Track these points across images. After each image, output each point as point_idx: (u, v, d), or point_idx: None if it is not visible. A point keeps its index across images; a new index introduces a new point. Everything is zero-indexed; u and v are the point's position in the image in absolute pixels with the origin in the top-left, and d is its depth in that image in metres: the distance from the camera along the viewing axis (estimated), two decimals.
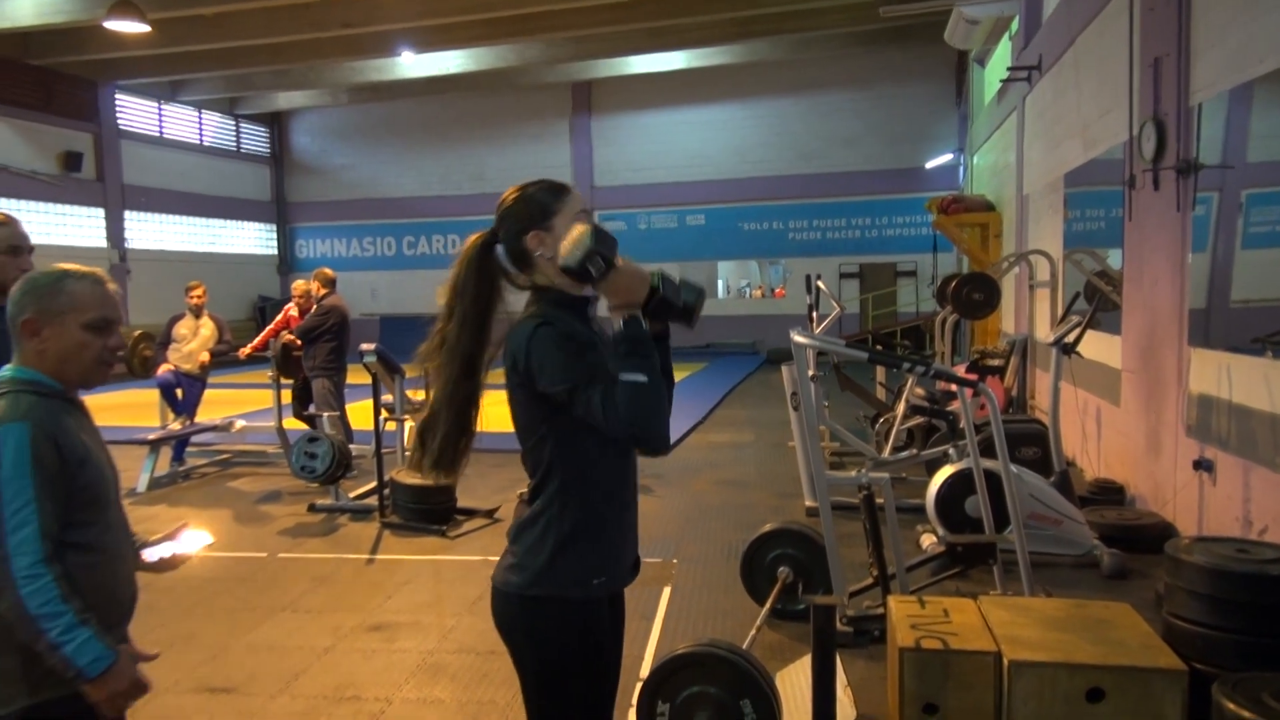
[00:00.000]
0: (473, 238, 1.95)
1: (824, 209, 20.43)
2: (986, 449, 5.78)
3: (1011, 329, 10.85)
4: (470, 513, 6.27)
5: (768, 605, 3.93)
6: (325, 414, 7.32)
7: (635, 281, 1.77)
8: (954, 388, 5.39)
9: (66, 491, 1.72)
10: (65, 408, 1.81)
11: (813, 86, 20.14)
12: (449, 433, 1.90)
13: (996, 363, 7.89)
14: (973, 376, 7.01)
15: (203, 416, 8.49)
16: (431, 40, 16.00)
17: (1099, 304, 5.77)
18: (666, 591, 4.76)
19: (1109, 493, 6.13)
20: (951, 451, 5.21)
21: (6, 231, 2.72)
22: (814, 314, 6.80)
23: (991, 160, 13.59)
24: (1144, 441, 5.71)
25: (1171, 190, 5.23)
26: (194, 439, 8.29)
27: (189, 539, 2.04)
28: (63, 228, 17.40)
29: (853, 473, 4.23)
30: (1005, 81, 10.75)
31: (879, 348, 3.65)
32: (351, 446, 6.93)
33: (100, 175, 18.36)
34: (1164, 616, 3.34)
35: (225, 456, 8.61)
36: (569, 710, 1.88)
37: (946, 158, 17.82)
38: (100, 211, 18.31)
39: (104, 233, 18.34)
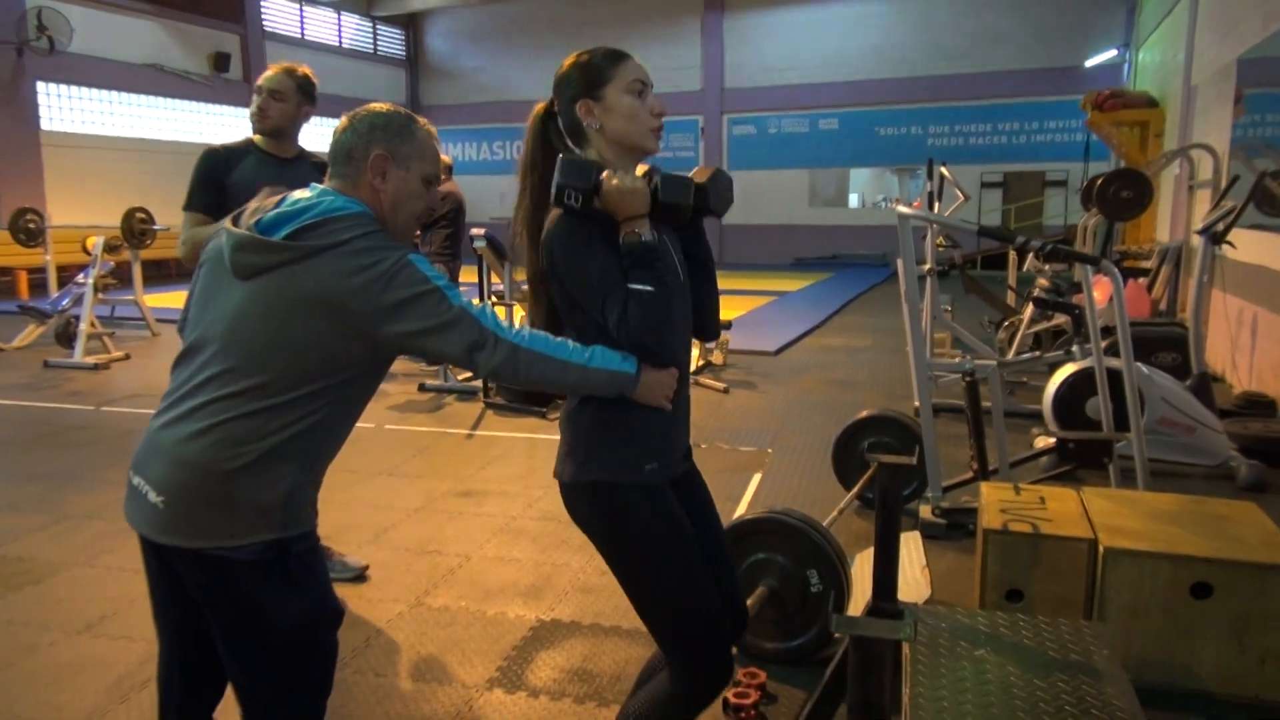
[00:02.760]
0: (537, 107, 1.83)
1: (967, 112, 19.17)
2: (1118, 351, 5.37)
3: (1166, 237, 9.96)
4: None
5: (856, 489, 3.75)
6: None
7: (628, 199, 1.64)
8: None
9: None
10: None
11: None
12: (541, 312, 1.83)
13: (1144, 264, 7.25)
14: (1107, 280, 6.49)
15: None
16: None
17: (1256, 193, 5.14)
18: (757, 478, 4.67)
19: (1258, 406, 5.60)
20: (1075, 349, 4.82)
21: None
22: (935, 204, 6.39)
23: (1158, 55, 12.34)
24: None
25: None
26: None
27: None
28: (213, 126, 18.24)
29: (957, 358, 3.96)
30: None
31: (1025, 244, 3.31)
32: None
33: (247, 76, 19.06)
34: None
35: None
36: (679, 591, 1.76)
37: (1110, 54, 16.31)
38: (246, 112, 19.04)
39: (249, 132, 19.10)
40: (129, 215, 8.96)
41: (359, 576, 3.40)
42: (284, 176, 2.99)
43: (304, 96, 3.04)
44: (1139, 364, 4.69)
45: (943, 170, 6.28)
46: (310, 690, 1.67)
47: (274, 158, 3.06)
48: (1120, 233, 11.58)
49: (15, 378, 7.33)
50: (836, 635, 2.21)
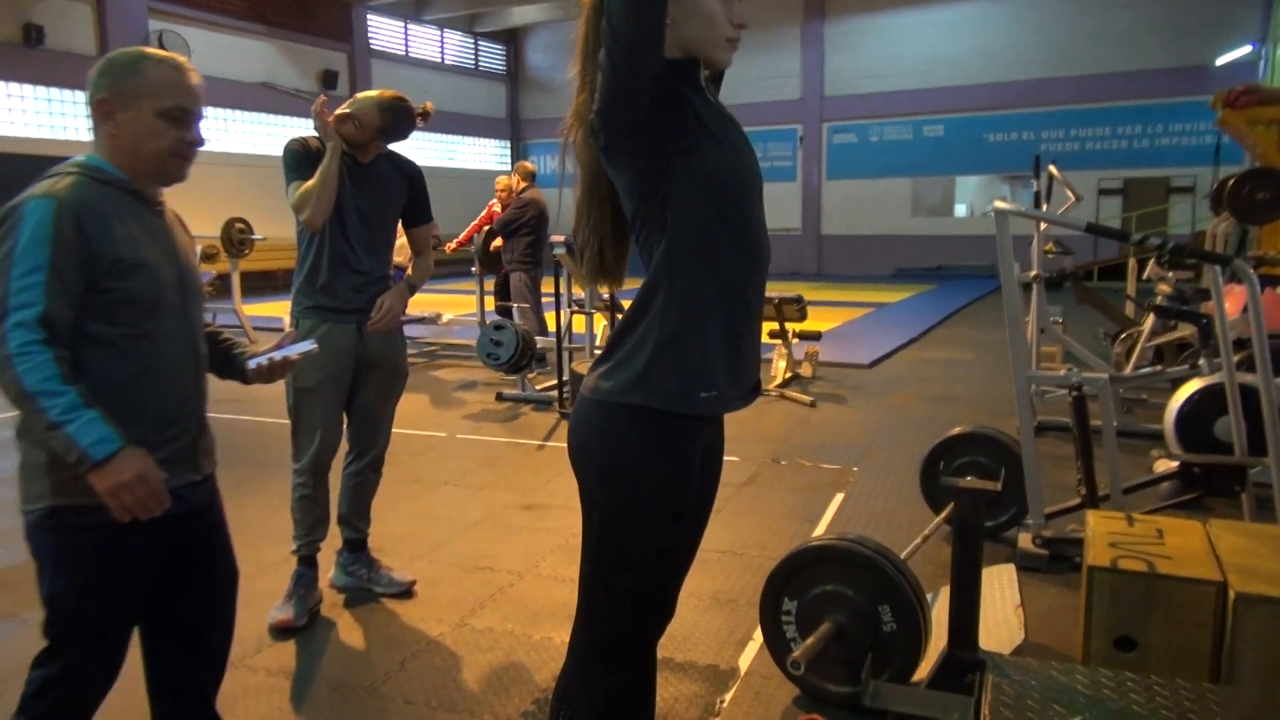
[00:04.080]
0: None
1: (1084, 116, 18.15)
2: (1253, 367, 4.82)
3: None
4: None
5: (942, 516, 3.41)
6: (516, 305, 7.36)
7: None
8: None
9: (93, 280, 1.58)
10: (126, 200, 1.67)
11: None
12: (599, 231, 1.61)
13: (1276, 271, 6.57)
14: (1239, 289, 5.88)
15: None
16: None
17: None
18: (838, 498, 4.33)
19: None
20: (1202, 363, 4.32)
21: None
22: (1045, 205, 5.90)
23: None
24: None
25: None
26: (406, 331, 8.67)
27: (293, 346, 1.88)
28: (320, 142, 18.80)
29: (1062, 370, 3.56)
30: None
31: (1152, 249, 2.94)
32: (540, 340, 6.92)
33: (353, 93, 19.63)
34: None
35: (433, 348, 8.96)
36: (639, 554, 1.56)
37: (1243, 51, 15.19)
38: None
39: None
40: (228, 225, 9.21)
41: (405, 592, 3.24)
42: (361, 177, 2.99)
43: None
44: (1278, 379, 4.17)
45: (1051, 169, 5.80)
46: (64, 668, 1.64)
47: (355, 161, 2.99)
48: (1255, 238, 10.67)
49: None
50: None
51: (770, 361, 7.28)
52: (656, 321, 1.50)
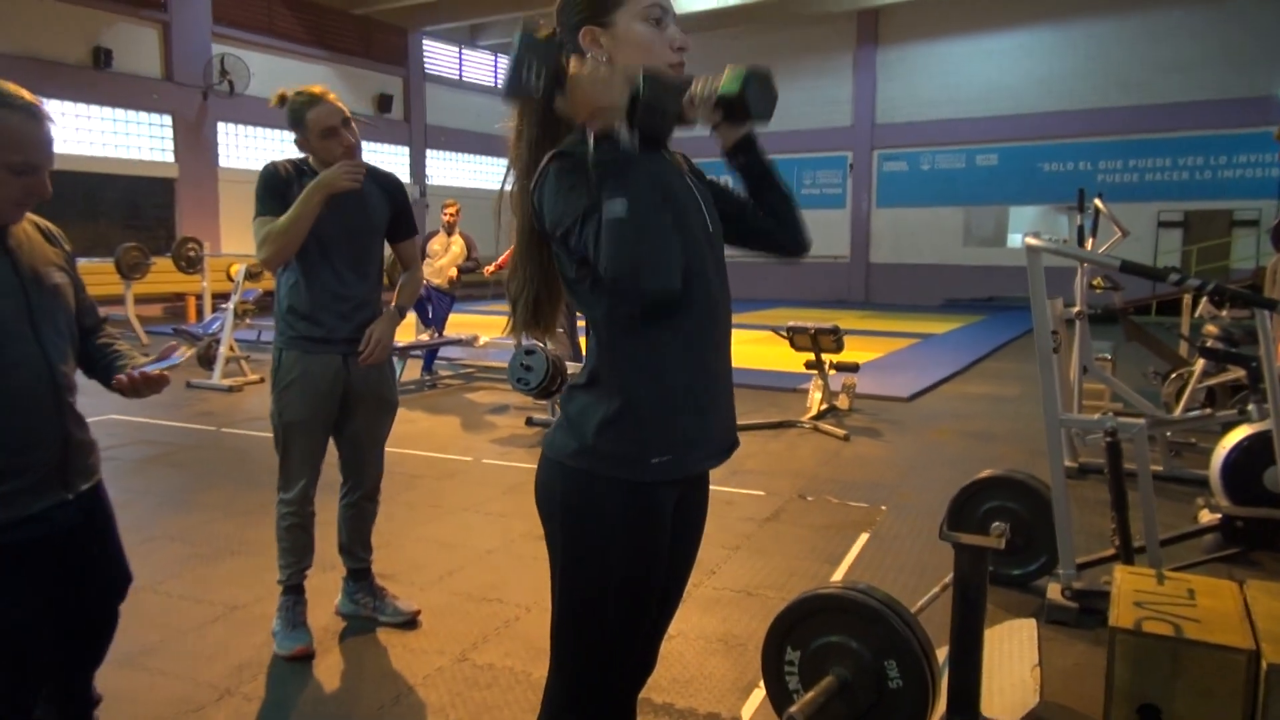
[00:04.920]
0: (540, 34, 1.57)
1: (1143, 146, 17.74)
2: None
3: None
4: None
5: None
6: None
7: (594, 87, 1.36)
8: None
9: None
10: None
11: (1138, 3, 17.45)
12: (534, 283, 1.56)
13: None
14: None
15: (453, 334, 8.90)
16: None
17: None
18: (863, 538, 4.20)
19: None
20: (1251, 409, 4.12)
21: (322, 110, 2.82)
22: (1090, 239, 5.71)
23: None
24: None
25: None
26: (443, 352, 8.72)
27: (158, 362, 1.89)
28: (374, 163, 19.14)
29: (1096, 416, 3.40)
30: None
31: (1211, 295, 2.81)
32: (572, 366, 6.88)
33: (407, 116, 20.02)
34: None
35: (469, 371, 8.99)
36: (603, 611, 1.50)
37: None
38: (406, 150, 20.01)
39: (408, 168, 20.03)
40: (180, 244, 9.36)
41: (409, 622, 3.19)
42: (342, 196, 2.86)
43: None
44: None
45: (1097, 203, 5.62)
46: None
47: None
48: None
49: (158, 397, 7.67)
50: None
51: (806, 393, 7.15)
52: (605, 385, 1.46)
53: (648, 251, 1.32)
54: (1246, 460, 3.93)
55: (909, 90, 19.99)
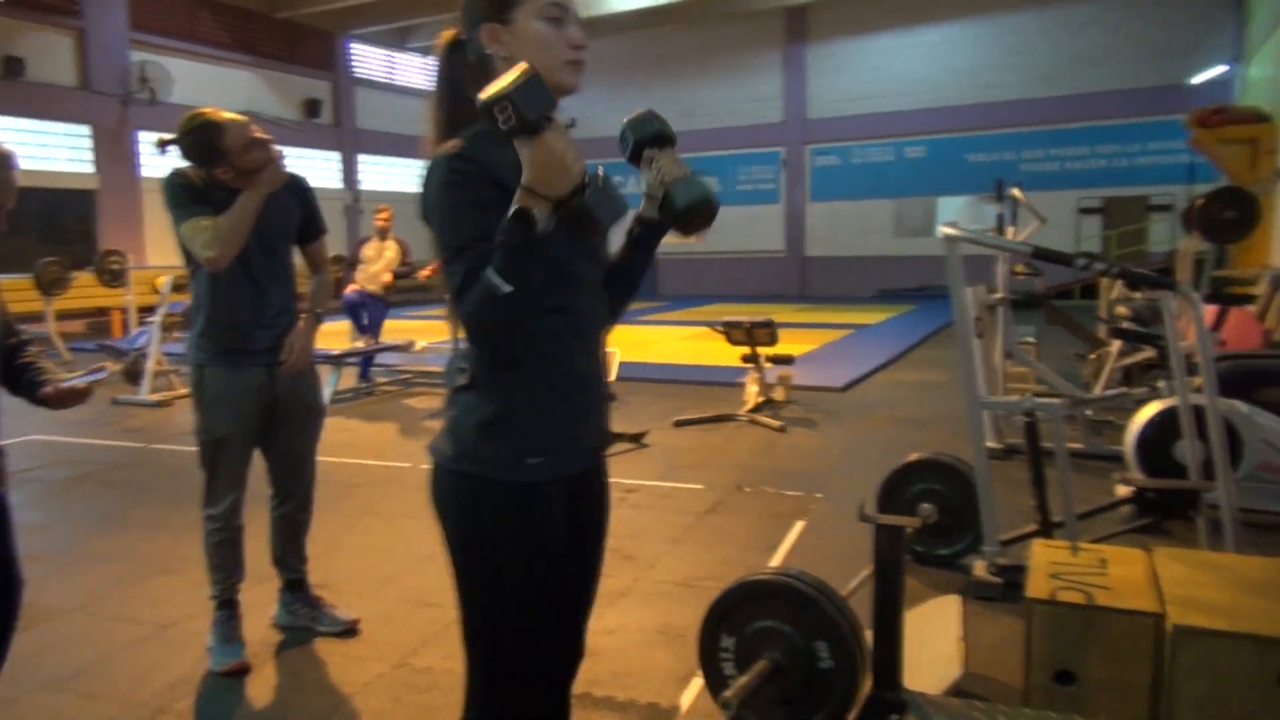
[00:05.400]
0: (444, 34, 1.58)
1: (1063, 136, 18.30)
2: (1218, 388, 4.79)
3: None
4: (618, 436, 6.03)
5: None
6: None
7: (551, 171, 1.35)
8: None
9: None
10: None
11: None
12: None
13: (1252, 290, 6.58)
14: (1210, 308, 5.88)
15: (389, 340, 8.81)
16: None
17: None
18: (799, 526, 4.28)
19: None
20: (1161, 385, 4.30)
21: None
22: (1010, 228, 5.90)
23: (1271, 69, 11.47)
24: None
25: None
26: (380, 358, 8.63)
27: (84, 376, 1.89)
28: (303, 170, 18.68)
29: (1015, 398, 3.53)
30: None
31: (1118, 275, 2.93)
32: None
33: (337, 121, 19.72)
34: None
35: (407, 376, 8.91)
36: (504, 609, 1.54)
37: (1217, 71, 15.34)
38: (337, 155, 19.70)
39: (340, 175, 19.73)
40: (102, 257, 9.16)
41: (348, 631, 3.17)
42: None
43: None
44: (1237, 402, 4.16)
45: (1015, 192, 5.81)
46: None
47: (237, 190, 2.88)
48: (1231, 260, 10.74)
49: (81, 414, 7.49)
50: None
51: (743, 387, 7.25)
52: (482, 389, 1.49)
53: (504, 334, 1.40)
54: (1157, 435, 4.11)
55: (838, 85, 20.32)
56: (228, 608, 2.99)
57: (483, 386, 1.49)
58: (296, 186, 3.02)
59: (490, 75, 1.48)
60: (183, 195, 2.79)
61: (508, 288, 1.33)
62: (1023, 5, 18.33)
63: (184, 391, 8.04)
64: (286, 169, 2.82)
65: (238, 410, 2.85)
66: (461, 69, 1.55)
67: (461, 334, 1.49)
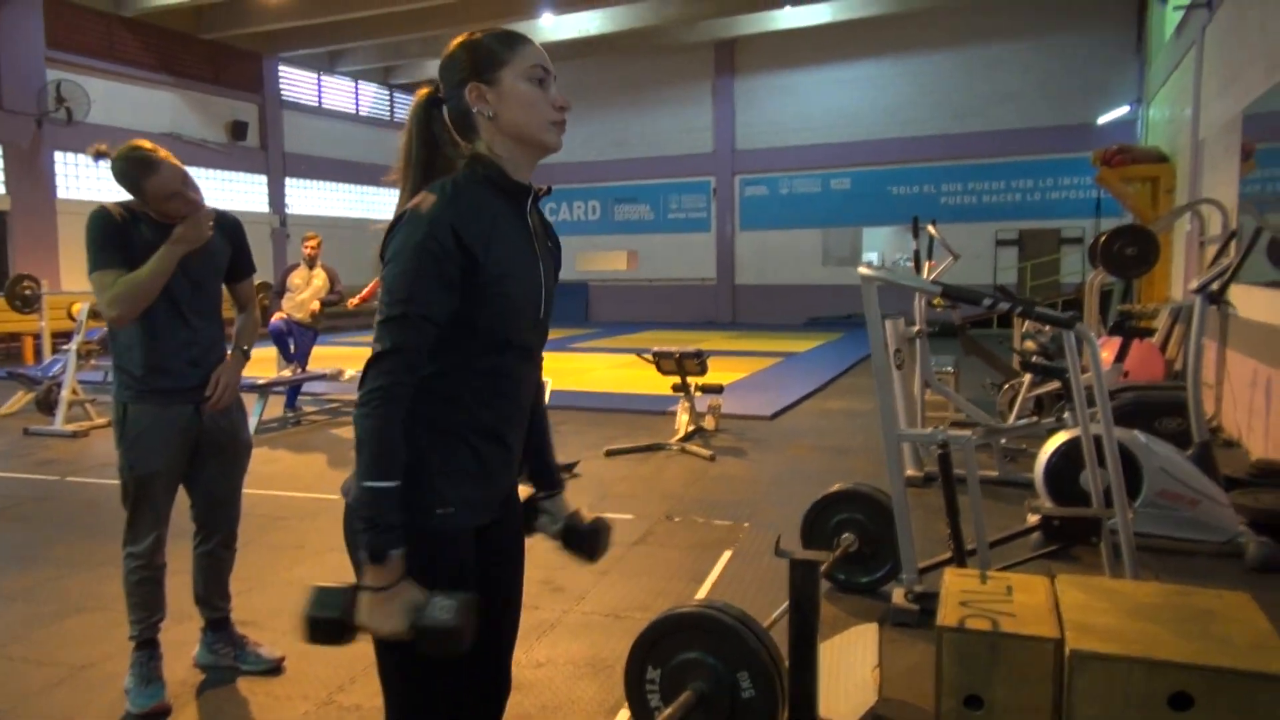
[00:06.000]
0: (419, 92, 1.63)
1: (980, 170, 19.04)
2: (1121, 419, 5.05)
3: (1180, 294, 9.63)
4: None
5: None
6: None
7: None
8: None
9: None
10: None
11: (971, 38, 18.76)
12: None
13: (1152, 324, 6.94)
14: (1113, 341, 6.20)
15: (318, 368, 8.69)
16: None
17: (1251, 247, 4.87)
18: (726, 555, 4.37)
19: (1273, 475, 5.23)
20: (1067, 416, 4.53)
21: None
22: (927, 263, 6.15)
23: (1168, 111, 12.15)
24: None
25: None
26: (307, 388, 8.50)
27: None
28: (229, 193, 18.48)
29: (931, 429, 3.69)
30: (1184, 8, 9.49)
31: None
32: None
33: (264, 144, 19.41)
34: None
35: (335, 405, 8.80)
36: (412, 648, 1.55)
37: (1122, 111, 16.14)
38: (263, 178, 19.37)
39: (266, 198, 19.39)
40: (13, 283, 8.93)
41: (273, 669, 3.14)
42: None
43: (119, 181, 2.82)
44: (1136, 432, 4.39)
45: (930, 229, 6.05)
46: None
47: (166, 225, 2.86)
48: (1137, 294, 11.28)
49: None
50: None
51: (674, 416, 7.34)
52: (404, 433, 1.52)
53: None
54: (1064, 464, 4.31)
55: (766, 118, 20.80)
56: (148, 647, 2.93)
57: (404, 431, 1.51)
58: (228, 225, 3.01)
59: (473, 132, 1.56)
60: (100, 238, 2.75)
61: (372, 485, 1.42)
62: (940, 45, 19.06)
63: (101, 422, 7.81)
64: (210, 229, 2.80)
65: (162, 447, 2.82)
66: (438, 124, 1.60)
67: None
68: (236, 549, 3.15)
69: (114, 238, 2.76)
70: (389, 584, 1.43)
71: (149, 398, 2.82)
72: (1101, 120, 16.62)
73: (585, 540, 1.84)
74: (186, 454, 2.90)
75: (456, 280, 1.46)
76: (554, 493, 1.87)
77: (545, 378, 2.06)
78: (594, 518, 1.85)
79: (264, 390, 7.62)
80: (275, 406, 8.24)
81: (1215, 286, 4.69)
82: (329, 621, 1.45)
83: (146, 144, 2.80)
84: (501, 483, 1.64)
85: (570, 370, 11.17)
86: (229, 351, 3.02)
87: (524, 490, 1.82)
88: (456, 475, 1.53)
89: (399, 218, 1.49)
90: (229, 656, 3.14)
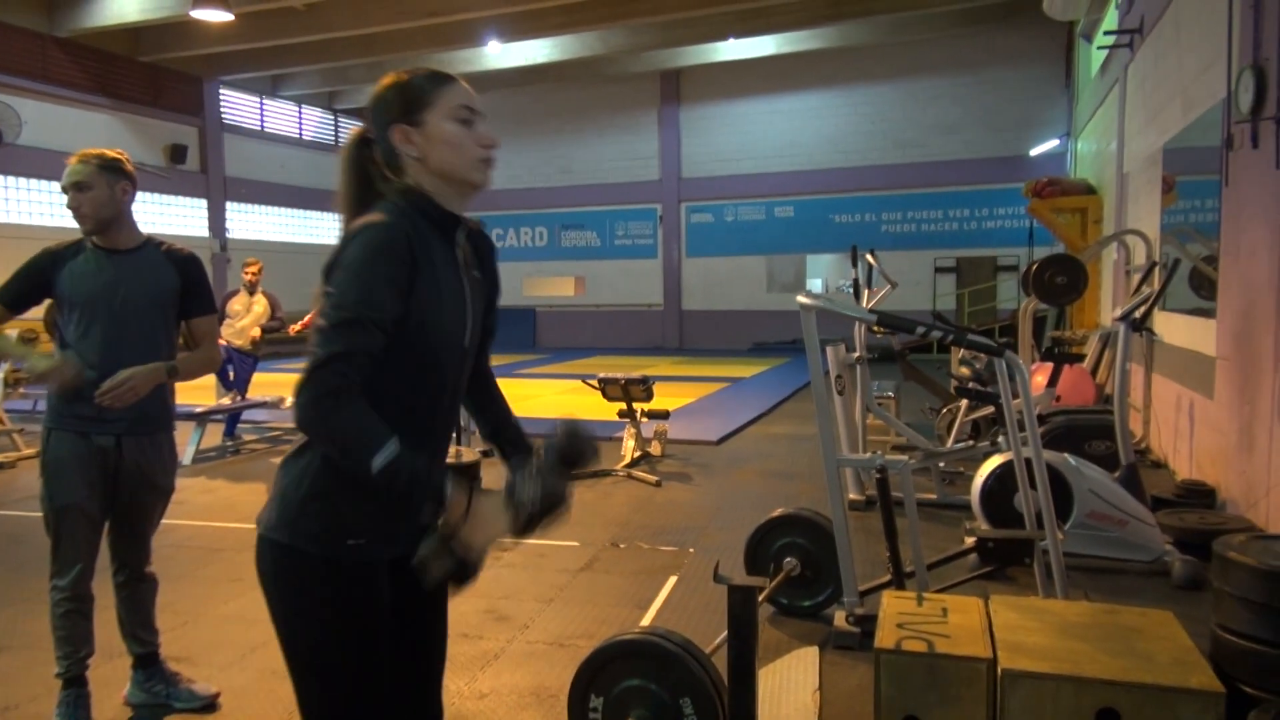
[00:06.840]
0: (351, 132, 1.65)
1: (919, 200, 19.51)
2: (1053, 442, 5.20)
3: (1109, 321, 9.97)
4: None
5: (760, 598, 3.50)
6: None
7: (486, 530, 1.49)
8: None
9: None
10: None
11: (910, 71, 19.27)
12: None
13: (1082, 350, 7.16)
14: (1046, 366, 6.38)
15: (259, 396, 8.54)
16: (517, 28, 15.96)
17: (1170, 276, 5.09)
18: (671, 581, 4.39)
19: (1198, 495, 5.42)
20: (1001, 440, 4.65)
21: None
22: (866, 290, 6.28)
23: (1094, 144, 12.62)
24: (1236, 437, 5.00)
25: (1271, 146, 4.54)
26: (246, 415, 8.34)
27: None
28: (167, 217, 18.12)
29: (870, 454, 3.76)
30: (1107, 48, 9.90)
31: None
32: None
33: (204, 167, 19.08)
34: (1211, 629, 2.79)
35: (275, 433, 8.64)
36: (332, 684, 1.55)
37: (1052, 143, 16.72)
38: (203, 202, 19.02)
39: (206, 223, 19.04)
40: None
41: (208, 706, 3.06)
42: (114, 267, 2.80)
43: (112, 175, 2.81)
44: (1067, 455, 4.52)
45: (869, 257, 6.19)
46: None
47: (106, 251, 2.84)
48: (1069, 320, 11.63)
49: None
50: None
51: (621, 442, 7.36)
52: (316, 467, 1.51)
53: (333, 449, 1.45)
54: (999, 486, 4.42)
55: (710, 146, 21.09)
56: (75, 685, 2.85)
57: (312, 456, 1.51)
58: (182, 258, 2.96)
59: (400, 173, 1.58)
60: (18, 270, 2.82)
61: (378, 462, 1.39)
62: (880, 78, 19.55)
63: (30, 452, 7.56)
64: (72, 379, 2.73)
65: (80, 479, 2.76)
66: (370, 163, 1.62)
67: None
68: (153, 580, 3.07)
69: (28, 275, 2.81)
70: (465, 507, 1.44)
71: (69, 423, 2.77)
72: (1033, 152, 17.18)
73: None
74: (107, 485, 2.83)
75: (406, 290, 1.46)
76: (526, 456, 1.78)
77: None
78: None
79: (202, 418, 7.46)
80: (214, 435, 8.07)
81: (1138, 314, 4.87)
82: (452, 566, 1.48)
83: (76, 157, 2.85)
84: (418, 514, 1.60)
85: (516, 396, 11.10)
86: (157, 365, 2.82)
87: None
88: (368, 505, 1.51)
89: (352, 233, 1.49)
90: (160, 694, 3.05)
